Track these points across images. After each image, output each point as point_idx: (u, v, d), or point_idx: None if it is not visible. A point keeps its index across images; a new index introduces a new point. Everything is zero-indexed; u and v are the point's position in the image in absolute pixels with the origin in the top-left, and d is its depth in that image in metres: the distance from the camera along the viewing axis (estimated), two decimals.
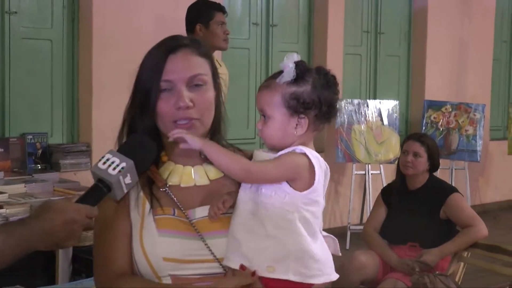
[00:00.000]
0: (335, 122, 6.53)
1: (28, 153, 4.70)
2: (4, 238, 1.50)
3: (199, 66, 1.78)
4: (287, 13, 6.77)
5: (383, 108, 6.79)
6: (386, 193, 4.24)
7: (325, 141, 6.85)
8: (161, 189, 1.77)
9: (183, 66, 1.75)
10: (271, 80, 1.71)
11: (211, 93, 1.79)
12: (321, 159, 1.69)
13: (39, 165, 4.75)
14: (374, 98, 7.40)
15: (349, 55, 7.24)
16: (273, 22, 6.62)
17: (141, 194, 1.76)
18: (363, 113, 6.70)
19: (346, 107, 6.65)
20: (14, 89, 4.92)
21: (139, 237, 1.71)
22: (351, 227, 6.48)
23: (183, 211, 1.73)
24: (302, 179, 1.64)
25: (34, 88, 5.05)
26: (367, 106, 6.74)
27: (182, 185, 1.78)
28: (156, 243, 1.68)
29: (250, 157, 1.85)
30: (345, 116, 6.63)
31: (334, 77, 1.71)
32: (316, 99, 1.67)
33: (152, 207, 1.73)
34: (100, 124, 4.96)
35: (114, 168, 1.63)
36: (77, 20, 5.18)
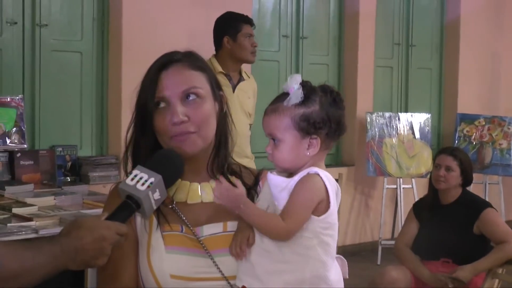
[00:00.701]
0: (366, 136, 6.50)
1: (58, 165, 4.73)
2: (33, 254, 1.50)
3: (192, 79, 1.77)
4: (317, 25, 6.77)
5: (414, 121, 6.75)
6: (418, 208, 4.21)
7: (356, 154, 6.82)
8: (168, 206, 1.76)
9: (175, 81, 1.75)
10: (277, 103, 1.70)
11: (208, 106, 1.78)
12: (332, 179, 1.68)
13: (68, 178, 4.79)
14: (406, 111, 7.36)
15: (380, 68, 7.21)
16: (303, 34, 6.62)
17: None
18: (394, 126, 6.67)
19: (377, 120, 6.62)
20: (43, 101, 4.97)
21: (146, 254, 1.70)
22: (382, 242, 6.43)
23: (191, 228, 1.72)
24: (320, 203, 1.63)
25: (63, 100, 5.09)
26: (399, 119, 6.70)
27: (188, 202, 1.78)
28: (163, 260, 1.68)
29: (257, 175, 1.85)
30: (376, 129, 6.61)
31: (339, 94, 1.72)
32: (325, 118, 1.67)
33: (159, 223, 1.73)
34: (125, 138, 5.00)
35: (143, 184, 1.63)
36: (107, 33, 5.23)
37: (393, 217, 6.79)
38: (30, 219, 3.46)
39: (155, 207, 1.67)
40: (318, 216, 1.62)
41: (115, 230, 1.57)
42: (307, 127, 1.66)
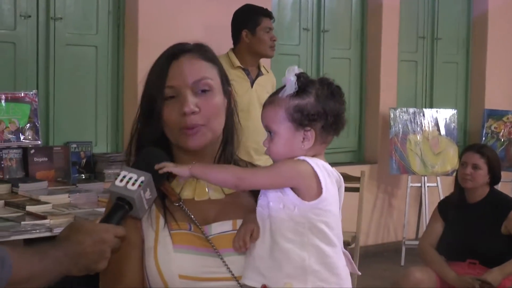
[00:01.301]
0: (389, 132, 6.48)
1: (72, 162, 4.75)
2: (40, 259, 1.51)
3: (204, 70, 1.77)
4: (339, 18, 6.75)
5: (440, 117, 6.71)
6: (444, 207, 4.19)
7: (379, 151, 6.80)
8: (175, 204, 1.76)
9: (186, 71, 1.75)
10: (274, 96, 1.72)
11: (218, 99, 1.78)
12: (331, 168, 1.68)
13: (83, 175, 4.81)
14: (431, 107, 7.32)
15: (404, 62, 7.17)
16: (324, 27, 6.60)
17: (154, 208, 1.75)
18: (419, 123, 6.64)
19: (401, 116, 6.59)
20: (58, 96, 5.00)
21: (153, 253, 1.69)
22: (406, 242, 6.41)
23: (200, 227, 1.72)
24: (307, 188, 1.63)
25: (78, 96, 5.12)
26: (423, 115, 6.67)
27: (196, 199, 1.78)
28: (171, 260, 1.67)
29: None
30: (400, 126, 6.58)
31: (338, 87, 1.71)
32: (321, 110, 1.66)
33: (166, 221, 1.73)
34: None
35: (133, 184, 1.63)
36: (123, 26, 5.25)
37: (417, 217, 6.77)
38: (44, 217, 3.48)
39: (147, 207, 1.67)
40: (309, 201, 1.63)
41: (113, 232, 1.58)
42: (300, 119, 1.66)
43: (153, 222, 1.73)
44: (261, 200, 1.69)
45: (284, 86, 1.70)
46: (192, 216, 1.74)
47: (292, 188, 1.64)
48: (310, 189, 1.63)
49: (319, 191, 1.63)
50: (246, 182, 1.66)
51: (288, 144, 1.68)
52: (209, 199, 1.78)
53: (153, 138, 1.77)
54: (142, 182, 1.63)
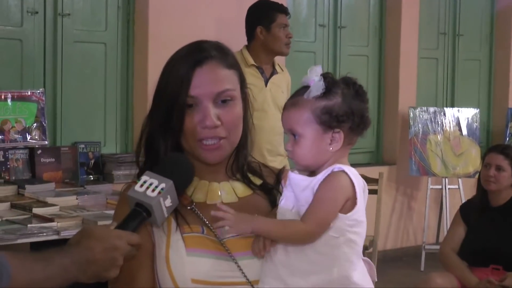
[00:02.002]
0: (408, 132, 6.46)
1: (80, 163, 4.77)
2: (43, 266, 1.50)
3: (227, 80, 1.76)
4: (356, 13, 6.74)
5: (462, 116, 6.69)
6: (466, 210, 4.17)
7: (398, 152, 6.79)
8: (188, 207, 1.76)
9: (209, 81, 1.74)
10: (296, 97, 1.71)
11: (239, 108, 1.78)
12: (358, 174, 1.68)
13: (91, 176, 4.82)
14: (452, 106, 7.30)
15: (424, 59, 7.16)
16: (341, 23, 6.59)
17: None
18: (439, 122, 6.62)
19: (420, 116, 6.58)
20: (66, 95, 5.01)
21: (165, 257, 1.70)
22: (426, 247, 6.39)
23: (213, 230, 1.72)
24: (348, 200, 1.64)
25: (86, 94, 5.13)
26: (444, 114, 6.65)
27: (208, 202, 1.78)
28: (184, 263, 1.67)
29: (278, 173, 1.86)
30: (420, 126, 6.56)
31: (361, 86, 1.72)
32: (348, 111, 1.67)
33: (178, 224, 1.73)
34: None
35: (153, 190, 1.62)
36: (133, 23, 5.26)
37: (438, 220, 6.74)
38: (51, 220, 3.49)
39: (166, 215, 1.66)
40: (345, 213, 1.63)
41: (127, 239, 1.57)
42: (329, 121, 1.66)
43: (164, 225, 1.73)
44: (284, 204, 1.69)
45: (306, 86, 1.69)
46: (205, 219, 1.74)
47: None
48: (348, 203, 1.64)
49: (354, 202, 1.64)
50: (315, 235, 1.62)
51: (315, 147, 1.68)
52: (222, 203, 1.77)
53: (169, 145, 1.77)
54: (162, 189, 1.62)
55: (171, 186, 1.64)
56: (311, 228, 1.62)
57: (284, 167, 1.91)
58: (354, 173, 1.66)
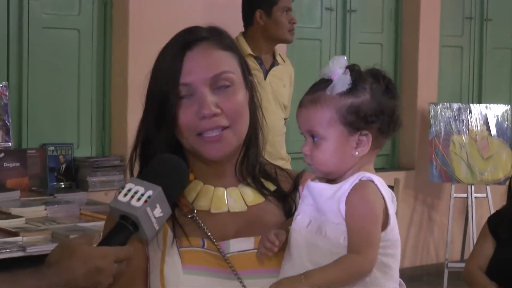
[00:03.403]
0: (428, 132, 6.46)
1: (49, 168, 4.77)
2: None
3: (223, 62, 1.77)
4: None
5: (490, 114, 6.69)
6: (495, 222, 4.17)
7: (416, 155, 6.79)
8: (188, 216, 1.76)
9: (203, 64, 1.75)
10: (317, 92, 1.68)
11: (241, 94, 1.78)
12: (385, 185, 1.67)
13: (62, 183, 4.82)
14: (479, 102, 7.30)
15: (447, 48, 7.16)
16: (351, 6, 6.60)
17: None
18: (464, 121, 6.62)
19: (443, 113, 6.58)
20: (32, 89, 5.01)
21: (160, 275, 1.70)
22: (450, 265, 6.39)
23: (215, 243, 1.72)
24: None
25: (57, 89, 5.13)
26: (470, 111, 6.65)
27: (212, 211, 1.77)
28: (180, 282, 1.67)
29: (296, 177, 1.84)
30: (442, 125, 6.57)
31: (391, 80, 1.70)
32: (378, 109, 1.66)
33: (175, 236, 1.72)
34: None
35: (139, 199, 1.61)
36: (110, 6, 5.26)
37: (462, 234, 6.74)
38: (16, 234, 3.48)
39: (157, 227, 1.64)
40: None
41: (114, 257, 1.57)
42: (356, 121, 1.65)
43: (159, 237, 1.73)
44: (300, 220, 1.67)
45: (327, 80, 1.67)
46: (207, 230, 1.74)
47: None
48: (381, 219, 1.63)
49: (386, 219, 1.63)
50: (372, 264, 1.60)
51: (339, 151, 1.67)
52: (229, 212, 1.78)
53: (164, 144, 1.76)
54: (149, 197, 1.61)
55: (160, 193, 1.63)
56: (368, 256, 1.59)
57: (304, 170, 1.89)
58: (382, 183, 1.65)
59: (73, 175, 4.89)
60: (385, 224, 1.63)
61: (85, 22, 5.21)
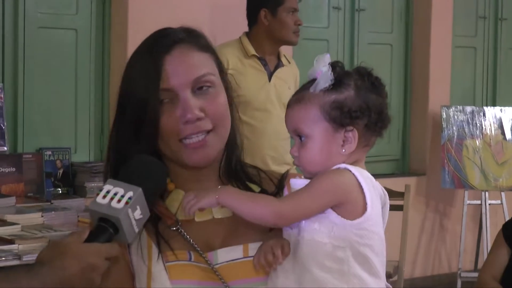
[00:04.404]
0: (440, 136, 6.45)
1: (46, 173, 4.77)
2: None
3: (203, 64, 1.78)
4: None
5: (505, 117, 6.68)
6: (510, 230, 4.17)
7: (428, 160, 6.79)
8: (172, 228, 1.76)
9: (183, 67, 1.76)
10: (301, 92, 1.73)
11: (223, 96, 1.80)
12: (375, 181, 1.70)
13: (59, 189, 4.83)
14: (493, 104, 7.30)
15: (459, 49, 7.16)
16: (359, 5, 6.60)
17: (144, 235, 1.75)
18: (478, 125, 6.62)
19: (455, 117, 6.58)
20: (28, 92, 5.01)
21: None
22: (463, 274, 6.39)
23: (202, 255, 1.73)
24: (351, 203, 1.65)
25: (54, 91, 5.14)
26: (484, 115, 6.65)
27: (196, 219, 1.78)
28: None
29: (281, 177, 1.86)
30: (454, 128, 6.56)
31: (378, 78, 1.74)
32: (363, 105, 1.69)
33: (160, 251, 1.73)
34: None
35: (119, 200, 1.61)
36: (109, 5, 5.26)
37: (476, 242, 6.74)
38: (11, 242, 3.49)
39: (137, 230, 1.65)
40: (351, 220, 1.64)
41: (105, 254, 1.59)
42: (340, 117, 1.68)
43: (144, 253, 1.74)
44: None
45: (313, 80, 1.71)
46: (193, 242, 1.74)
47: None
48: (354, 206, 1.65)
49: (363, 208, 1.65)
50: (289, 217, 1.65)
51: (326, 149, 1.70)
52: (213, 219, 1.79)
53: (142, 152, 1.75)
54: (130, 198, 1.61)
55: (140, 194, 1.63)
56: (284, 208, 1.64)
57: (288, 171, 1.91)
58: (365, 177, 1.67)
59: (70, 180, 4.89)
60: (362, 211, 1.65)
61: (83, 21, 5.22)
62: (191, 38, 1.80)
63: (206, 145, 1.75)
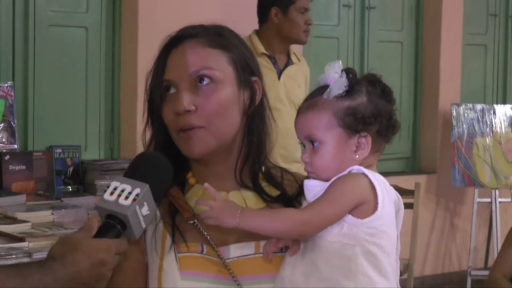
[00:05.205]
0: (451, 134, 6.45)
1: (56, 171, 4.78)
2: (18, 283, 1.53)
3: (205, 58, 1.79)
4: None
5: None
6: None
7: (438, 158, 6.78)
8: (189, 221, 1.78)
9: (183, 60, 1.78)
10: (313, 98, 1.75)
11: (225, 93, 1.78)
12: (389, 185, 1.72)
13: (69, 187, 4.83)
14: (504, 102, 7.29)
15: (470, 46, 7.15)
16: (369, 3, 6.59)
17: (161, 225, 1.78)
18: (488, 122, 6.61)
19: (465, 115, 6.56)
20: (39, 89, 5.02)
21: (158, 281, 1.72)
22: (473, 272, 6.38)
23: (215, 248, 1.74)
24: (364, 203, 1.67)
25: (64, 89, 5.14)
26: (494, 112, 6.64)
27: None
28: None
29: (302, 180, 1.85)
30: (465, 126, 6.55)
31: (387, 86, 1.76)
32: (375, 112, 1.71)
33: (174, 242, 1.75)
34: (146, 135, 5.01)
35: (127, 197, 1.63)
36: (119, 2, 5.27)
37: (486, 240, 6.73)
38: (21, 239, 3.50)
39: (144, 226, 1.66)
40: (362, 218, 1.66)
41: (115, 250, 1.60)
42: (354, 123, 1.70)
43: (157, 243, 1.76)
44: None
45: (324, 86, 1.73)
46: (207, 235, 1.75)
47: None
48: (366, 206, 1.67)
49: (374, 208, 1.67)
50: (313, 226, 1.66)
51: (339, 155, 1.71)
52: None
53: (162, 142, 1.81)
54: (137, 195, 1.63)
55: (147, 191, 1.65)
56: (306, 217, 1.65)
57: (304, 181, 1.91)
58: (379, 179, 1.69)
59: (80, 178, 4.90)
60: (373, 211, 1.66)
61: (93, 19, 5.23)
62: (205, 34, 1.82)
63: (196, 137, 1.76)
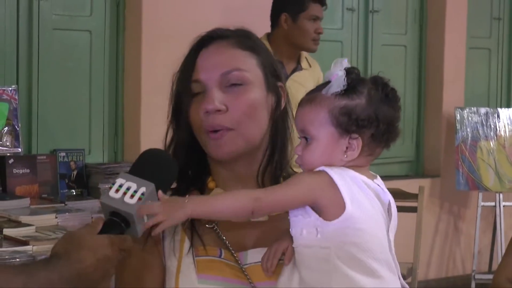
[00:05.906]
0: (454, 138, 6.44)
1: (60, 174, 4.78)
2: (25, 281, 1.54)
3: (236, 60, 1.80)
4: None
5: None
6: None
7: (442, 162, 6.77)
8: (208, 226, 1.79)
9: (214, 61, 1.79)
10: (314, 93, 1.74)
11: (255, 95, 1.79)
12: (369, 180, 1.70)
13: (73, 190, 4.83)
14: (508, 106, 7.28)
15: (474, 50, 7.14)
16: (373, 7, 6.59)
17: (179, 229, 1.78)
18: (492, 126, 6.60)
19: (469, 118, 6.56)
20: (43, 93, 5.03)
21: (175, 283, 1.73)
22: (477, 276, 6.37)
23: (233, 253, 1.75)
24: (328, 204, 1.66)
25: (68, 92, 5.15)
26: (498, 116, 6.63)
27: (234, 220, 1.78)
28: None
29: None
30: (469, 130, 6.55)
31: (394, 90, 1.73)
32: (372, 115, 1.69)
33: (192, 245, 1.75)
34: (150, 138, 5.01)
35: (132, 196, 1.63)
36: (123, 6, 5.27)
37: (490, 244, 6.72)
38: (25, 243, 3.50)
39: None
40: (330, 220, 1.65)
41: (119, 246, 1.61)
42: (347, 123, 1.69)
43: (176, 246, 1.77)
44: (294, 233, 1.71)
45: (327, 82, 1.71)
46: (226, 240, 1.76)
47: (313, 208, 1.67)
48: (331, 206, 1.66)
49: (342, 207, 1.65)
50: (264, 203, 1.67)
51: (328, 153, 1.70)
52: (250, 221, 1.79)
53: (185, 144, 1.81)
54: (143, 194, 1.63)
55: (153, 190, 1.65)
56: (258, 194, 1.67)
57: None
58: (343, 175, 1.67)
59: (84, 182, 4.90)
60: (341, 211, 1.65)
61: (97, 23, 5.23)
62: (234, 36, 1.83)
63: (225, 138, 1.76)
